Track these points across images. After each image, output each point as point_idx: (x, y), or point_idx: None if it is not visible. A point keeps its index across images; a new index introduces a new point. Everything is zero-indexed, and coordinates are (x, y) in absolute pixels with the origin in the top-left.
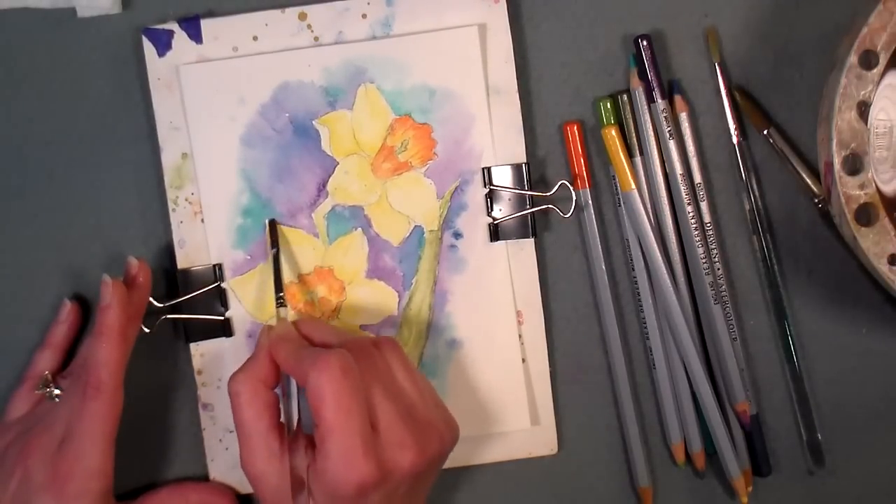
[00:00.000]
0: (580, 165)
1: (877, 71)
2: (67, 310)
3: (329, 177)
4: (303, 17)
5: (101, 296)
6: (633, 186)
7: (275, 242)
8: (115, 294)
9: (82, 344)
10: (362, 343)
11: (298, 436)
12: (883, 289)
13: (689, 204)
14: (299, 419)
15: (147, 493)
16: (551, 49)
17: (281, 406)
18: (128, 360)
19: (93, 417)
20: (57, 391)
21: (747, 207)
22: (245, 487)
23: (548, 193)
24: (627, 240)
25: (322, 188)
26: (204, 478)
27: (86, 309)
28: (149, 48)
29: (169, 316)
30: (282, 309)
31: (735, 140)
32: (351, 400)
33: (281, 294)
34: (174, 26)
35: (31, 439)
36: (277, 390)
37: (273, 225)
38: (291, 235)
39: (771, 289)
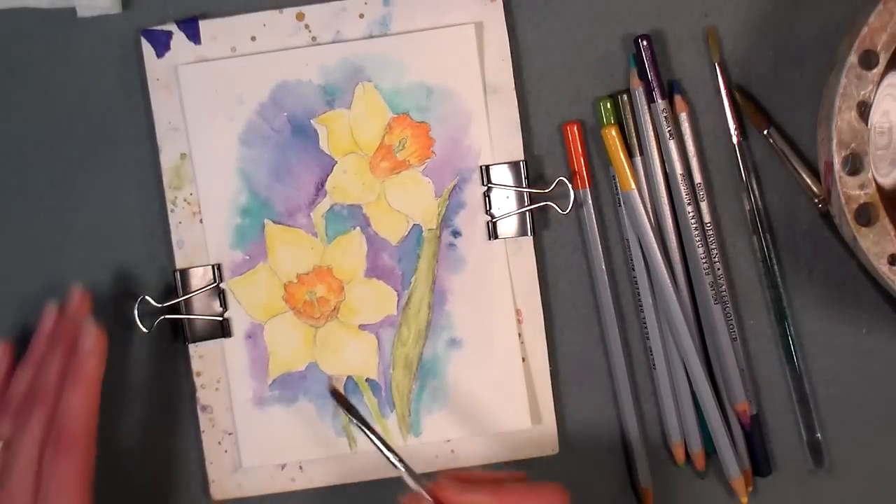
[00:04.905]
0: (580, 165)
1: (877, 71)
2: (1, 350)
3: (327, 176)
4: (300, 17)
5: (82, 341)
6: (633, 186)
7: (348, 408)
8: (99, 342)
9: (14, 378)
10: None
11: None
12: (883, 289)
13: (689, 204)
14: None
15: None
16: (551, 49)
17: None
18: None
19: (67, 476)
20: None
21: (747, 207)
22: (244, 491)
23: (546, 191)
24: (627, 240)
25: (320, 187)
26: (203, 481)
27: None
28: (147, 49)
29: (168, 316)
30: (403, 465)
31: (735, 140)
32: None
33: (402, 461)
34: (172, 27)
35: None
36: None
37: (335, 392)
38: (290, 235)
39: (771, 289)
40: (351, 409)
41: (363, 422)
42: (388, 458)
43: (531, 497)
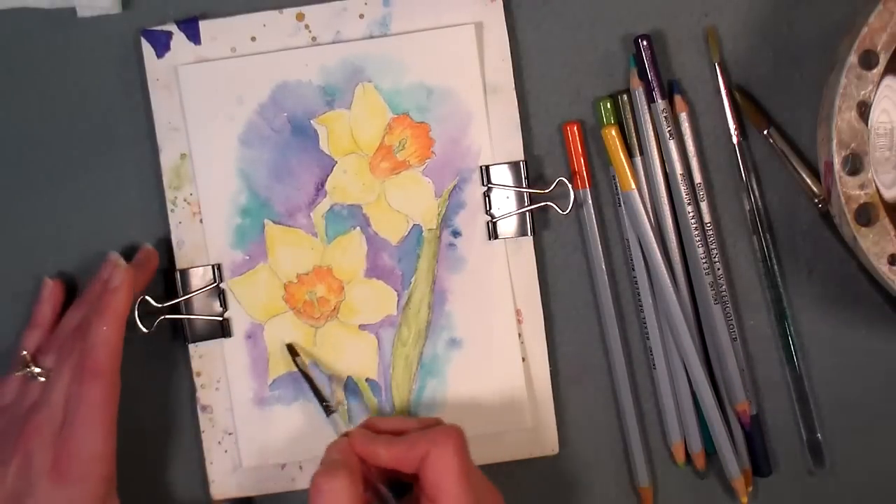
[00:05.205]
0: (580, 165)
1: (877, 71)
2: (50, 288)
3: (327, 176)
4: (300, 17)
5: (110, 277)
6: (633, 186)
7: (297, 361)
8: (127, 278)
9: (65, 317)
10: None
11: None
12: (883, 289)
13: (689, 204)
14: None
15: None
16: (551, 49)
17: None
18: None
19: (92, 402)
20: (38, 370)
21: (747, 207)
22: (245, 490)
23: (546, 191)
24: (627, 240)
25: (320, 187)
26: (203, 481)
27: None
28: (147, 49)
29: (168, 316)
30: (335, 415)
31: (735, 140)
32: (470, 476)
33: (326, 402)
34: (172, 27)
35: (29, 423)
36: None
37: (290, 348)
38: (290, 235)
39: (771, 289)
40: (298, 364)
41: (304, 374)
42: (322, 408)
43: (419, 445)
